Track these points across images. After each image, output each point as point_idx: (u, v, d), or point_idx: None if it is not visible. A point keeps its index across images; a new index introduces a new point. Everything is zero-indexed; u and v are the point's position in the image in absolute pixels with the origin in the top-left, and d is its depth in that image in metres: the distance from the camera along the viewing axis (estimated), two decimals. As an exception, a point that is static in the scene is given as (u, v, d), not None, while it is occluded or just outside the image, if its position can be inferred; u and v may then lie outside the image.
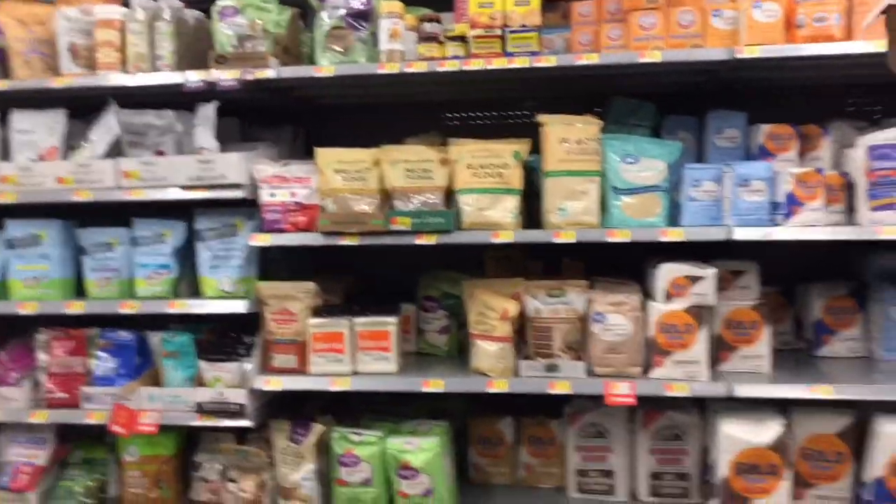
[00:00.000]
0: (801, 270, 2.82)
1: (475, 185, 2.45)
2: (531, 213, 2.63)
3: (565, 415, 2.71)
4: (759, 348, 2.45)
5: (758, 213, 2.34)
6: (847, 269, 2.79)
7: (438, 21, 2.57)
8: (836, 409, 2.41)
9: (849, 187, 2.39)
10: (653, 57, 2.30)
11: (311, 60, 2.66)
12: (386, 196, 2.54)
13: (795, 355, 2.72)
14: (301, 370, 2.57)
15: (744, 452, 2.34)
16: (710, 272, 2.38)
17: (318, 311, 2.59)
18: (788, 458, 2.35)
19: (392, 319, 2.56)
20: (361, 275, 3.09)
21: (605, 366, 2.45)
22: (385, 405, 2.86)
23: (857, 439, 2.41)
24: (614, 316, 2.44)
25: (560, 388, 2.42)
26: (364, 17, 2.52)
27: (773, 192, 2.34)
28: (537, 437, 2.77)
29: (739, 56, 2.26)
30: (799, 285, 2.80)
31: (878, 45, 2.22)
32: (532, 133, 2.51)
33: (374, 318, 2.56)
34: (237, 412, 2.57)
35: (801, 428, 2.42)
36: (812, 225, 2.30)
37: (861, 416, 2.41)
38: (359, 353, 2.55)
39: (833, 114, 2.73)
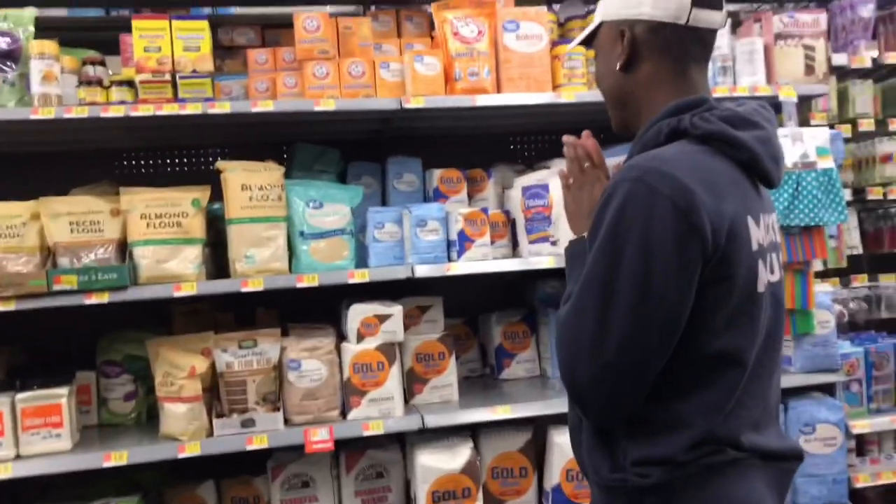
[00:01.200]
0: (482, 301, 3.05)
1: (152, 235, 2.31)
2: (219, 263, 2.55)
3: (269, 469, 2.61)
4: (448, 377, 2.59)
5: (435, 251, 2.49)
6: (520, 297, 3.08)
7: (103, 64, 2.41)
8: (518, 427, 2.62)
9: (512, 224, 2.66)
10: (327, 105, 2.36)
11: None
12: (48, 253, 2.29)
13: (482, 380, 2.93)
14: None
15: (439, 480, 2.44)
16: (396, 309, 2.47)
17: (-32, 390, 2.24)
18: (479, 480, 2.50)
19: (63, 391, 2.29)
20: (29, 344, 2.74)
21: (303, 413, 2.42)
22: (65, 487, 2.54)
23: (538, 453, 2.64)
24: (309, 361, 2.43)
25: (258, 442, 2.33)
26: (11, 56, 2.27)
27: (447, 231, 2.52)
28: (241, 498, 2.64)
29: (407, 106, 2.41)
30: (481, 315, 3.03)
31: (523, 98, 2.51)
32: (216, 180, 2.44)
33: (41, 392, 2.27)
34: None
35: (489, 449, 2.60)
36: (481, 259, 2.51)
37: (539, 431, 2.65)
38: (23, 434, 2.24)
39: (498, 157, 3.03)
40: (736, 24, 2.96)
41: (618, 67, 1.34)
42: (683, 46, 1.30)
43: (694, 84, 1.31)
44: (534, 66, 2.55)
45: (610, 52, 1.36)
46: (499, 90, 2.54)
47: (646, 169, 1.16)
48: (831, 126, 3.02)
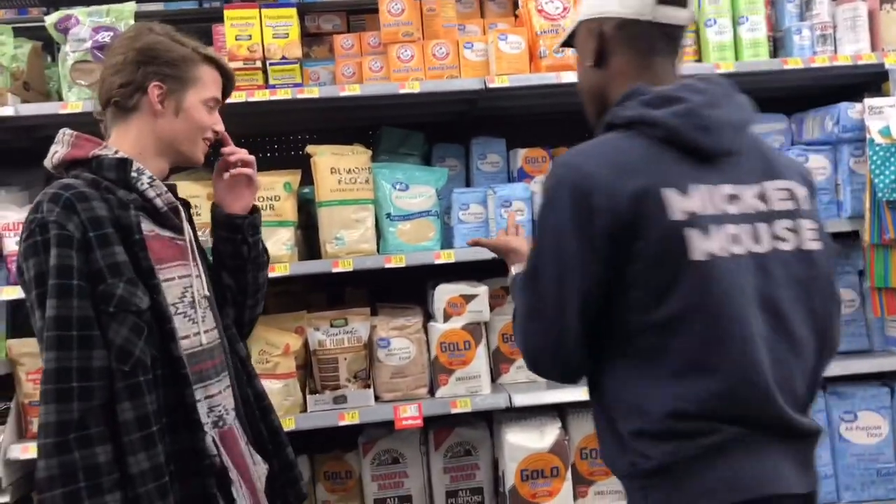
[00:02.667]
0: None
1: (247, 219, 2.39)
2: (311, 245, 2.62)
3: (359, 445, 2.68)
4: (534, 358, 2.58)
5: (521, 231, 2.48)
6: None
7: (198, 54, 2.50)
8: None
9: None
10: (412, 87, 2.39)
11: (60, 97, 2.47)
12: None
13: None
14: (65, 433, 2.34)
15: (527, 459, 2.44)
16: (482, 289, 2.49)
17: (82, 366, 2.38)
18: (567, 460, 2.49)
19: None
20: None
21: (393, 390, 2.47)
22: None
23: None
24: (398, 340, 2.47)
25: (350, 418, 2.40)
26: (113, 49, 2.38)
27: (532, 211, 2.50)
28: (333, 472, 2.72)
29: (491, 85, 2.40)
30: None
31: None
32: (306, 165, 2.51)
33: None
34: (-10, 489, 2.28)
35: (577, 429, 2.58)
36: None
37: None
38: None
39: (583, 136, 2.97)
40: (836, -13, 2.80)
41: (590, 64, 1.45)
42: (648, 41, 1.39)
43: (658, 77, 1.39)
44: (621, 41, 2.49)
45: (584, 49, 1.46)
46: (585, 66, 2.50)
47: (558, 164, 1.36)
48: (942, 94, 2.83)
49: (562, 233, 1.29)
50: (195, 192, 2.34)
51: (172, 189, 1.71)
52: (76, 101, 2.34)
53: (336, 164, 2.44)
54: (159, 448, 1.49)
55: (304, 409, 2.42)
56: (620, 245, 1.27)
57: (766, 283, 1.31)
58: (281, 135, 3.04)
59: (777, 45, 2.68)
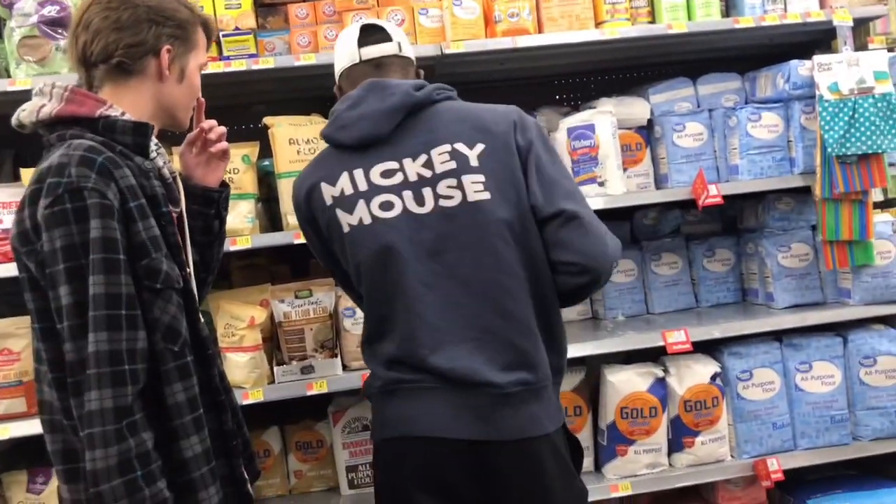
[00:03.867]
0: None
1: (206, 193, 2.37)
2: (272, 217, 2.62)
3: (330, 414, 2.71)
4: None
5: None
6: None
7: (149, 27, 2.46)
8: (571, 368, 2.63)
9: (558, 166, 2.64)
10: (368, 54, 2.37)
11: (8, 74, 2.42)
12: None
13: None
14: (31, 413, 2.32)
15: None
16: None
17: (45, 347, 2.36)
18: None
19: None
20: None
21: (360, 359, 2.48)
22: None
23: (592, 392, 2.67)
24: (363, 309, 2.49)
25: (318, 387, 2.41)
26: (61, 24, 2.33)
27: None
28: (304, 442, 2.75)
29: (447, 51, 2.40)
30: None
31: (565, 37, 2.48)
32: (263, 137, 2.49)
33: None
34: (-44, 473, 2.27)
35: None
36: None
37: (591, 371, 2.67)
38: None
39: (542, 101, 3.00)
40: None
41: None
42: (364, 75, 1.72)
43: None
44: (575, 4, 2.51)
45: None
46: (540, 31, 2.51)
47: None
48: (890, 49, 2.89)
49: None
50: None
51: None
52: (24, 77, 2.29)
53: (294, 135, 2.43)
54: (206, 431, 1.46)
55: (272, 381, 2.43)
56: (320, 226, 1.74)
57: (428, 237, 1.59)
58: (237, 107, 3.01)
59: (728, 5, 2.71)
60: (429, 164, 1.62)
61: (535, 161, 1.61)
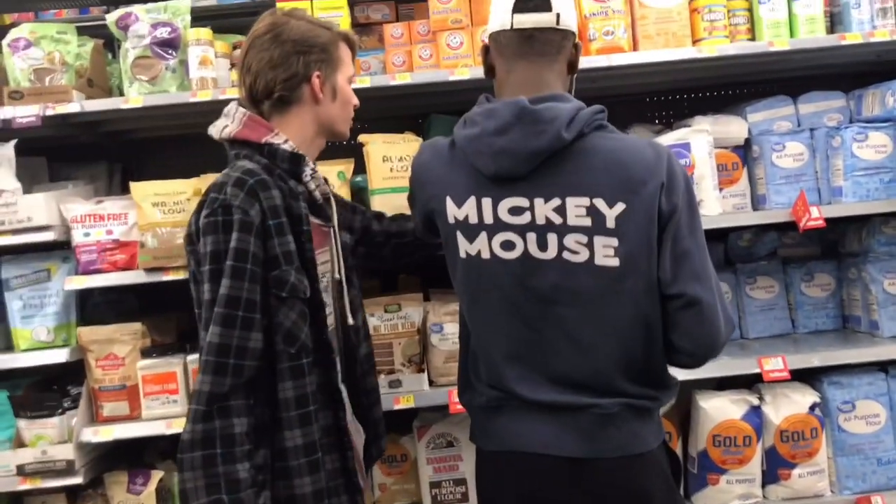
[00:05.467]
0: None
1: (302, 208, 2.44)
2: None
3: (415, 429, 2.72)
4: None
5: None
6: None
7: (252, 47, 2.55)
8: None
9: (651, 185, 2.60)
10: (461, 74, 2.40)
11: (121, 93, 2.55)
12: (211, 226, 2.47)
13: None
14: (133, 416, 2.44)
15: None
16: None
17: (147, 353, 2.47)
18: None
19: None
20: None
21: (447, 375, 2.50)
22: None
23: (682, 418, 2.60)
24: (451, 325, 2.50)
25: (405, 402, 2.43)
26: (171, 45, 2.45)
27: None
28: (390, 455, 2.77)
29: (541, 69, 2.39)
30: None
31: (661, 55, 2.44)
32: (358, 153, 2.54)
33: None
34: (64, 470, 2.38)
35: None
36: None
37: (682, 396, 2.59)
38: (195, 392, 2.46)
39: (635, 118, 2.96)
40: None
41: (485, 74, 1.67)
42: (513, 47, 1.56)
43: (519, 80, 1.56)
44: (672, 21, 2.47)
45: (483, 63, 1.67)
46: (635, 48, 2.48)
47: None
48: None
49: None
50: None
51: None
52: (137, 95, 2.41)
53: (388, 153, 2.47)
54: (314, 427, 1.62)
55: (361, 394, 2.47)
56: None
57: (543, 284, 1.51)
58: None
59: (834, 21, 2.61)
60: (561, 211, 1.49)
61: (673, 230, 1.49)
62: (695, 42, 2.50)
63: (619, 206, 1.47)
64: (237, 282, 1.55)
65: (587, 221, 1.48)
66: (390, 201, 2.46)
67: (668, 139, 2.52)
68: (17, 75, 2.45)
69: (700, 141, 2.49)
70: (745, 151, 2.68)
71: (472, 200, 1.54)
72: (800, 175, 2.60)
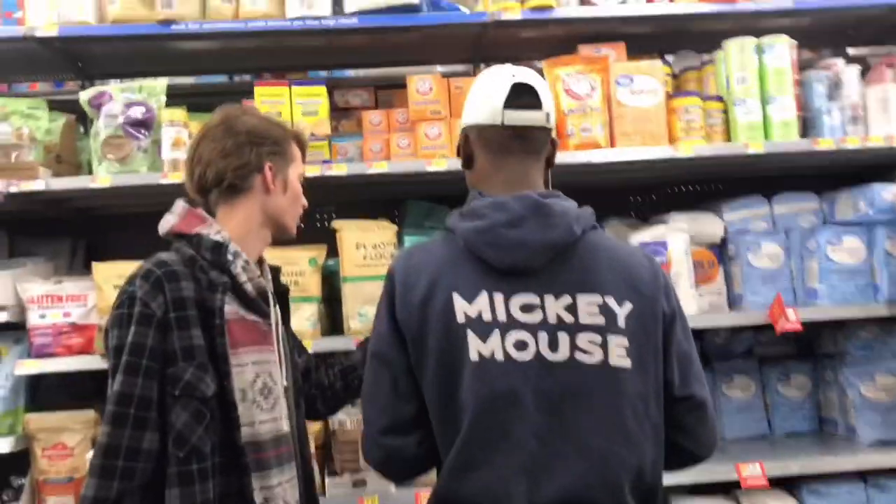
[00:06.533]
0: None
1: (270, 295, 2.37)
2: (333, 317, 2.59)
3: (379, 530, 2.59)
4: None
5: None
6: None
7: (227, 129, 2.52)
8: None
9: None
10: (439, 165, 2.39)
11: (90, 168, 2.49)
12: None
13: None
14: (78, 512, 2.29)
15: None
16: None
17: (99, 443, 2.34)
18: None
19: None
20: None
21: (414, 474, 2.39)
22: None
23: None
24: (420, 421, 2.40)
25: (369, 503, 2.32)
26: (145, 125, 2.41)
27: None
28: (351, 557, 2.63)
29: (519, 163, 2.39)
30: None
31: (638, 153, 2.45)
32: (330, 237, 2.49)
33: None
34: (-2, 571, 2.22)
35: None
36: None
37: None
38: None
39: (610, 211, 2.95)
40: (866, 69, 2.79)
41: (462, 166, 1.60)
42: (502, 143, 1.51)
43: (510, 177, 1.51)
44: (649, 121, 2.49)
45: (461, 153, 1.60)
46: (612, 145, 2.49)
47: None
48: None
49: (377, 313, 1.53)
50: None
51: (276, 272, 1.82)
52: (105, 175, 2.35)
53: (361, 240, 2.42)
54: None
55: (323, 492, 2.35)
56: (408, 330, 1.45)
57: (553, 388, 1.39)
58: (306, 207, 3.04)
59: (807, 125, 2.65)
60: (572, 310, 1.43)
61: (675, 333, 1.48)
62: (671, 141, 2.52)
63: (627, 306, 1.43)
64: (130, 377, 1.48)
65: (600, 320, 1.42)
66: (361, 289, 2.41)
67: (644, 237, 2.51)
68: (-17, 150, 2.38)
69: (677, 239, 2.48)
70: (721, 250, 2.68)
71: (483, 295, 1.43)
72: (776, 276, 2.60)
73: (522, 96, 1.50)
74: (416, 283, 1.46)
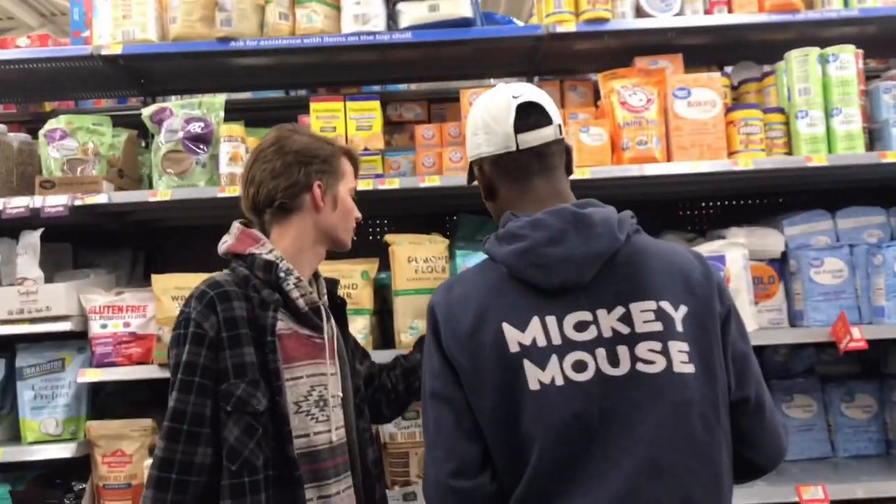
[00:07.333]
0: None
1: (324, 307, 2.39)
2: (384, 328, 2.60)
3: (428, 543, 2.58)
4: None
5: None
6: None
7: (283, 144, 2.56)
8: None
9: (683, 297, 2.52)
10: (492, 178, 2.37)
11: (151, 182, 2.56)
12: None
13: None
14: (136, 518, 2.34)
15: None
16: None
17: (156, 451, 2.39)
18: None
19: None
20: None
21: (465, 489, 2.37)
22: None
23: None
24: (471, 436, 2.39)
25: (419, 516, 2.32)
26: (203, 140, 2.47)
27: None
28: (401, 570, 2.62)
29: (571, 178, 2.36)
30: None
31: (695, 166, 2.40)
32: (383, 250, 2.50)
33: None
34: (60, 574, 2.28)
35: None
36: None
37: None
38: (202, 494, 2.36)
39: (667, 225, 2.90)
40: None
41: (484, 199, 1.58)
42: (522, 167, 1.49)
43: (539, 196, 1.48)
44: (707, 133, 2.44)
45: (480, 186, 1.58)
46: (669, 159, 2.45)
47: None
48: None
49: (427, 352, 1.46)
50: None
51: (333, 284, 1.85)
52: (165, 189, 2.41)
53: (413, 254, 2.43)
54: None
55: (374, 505, 2.35)
56: (457, 365, 1.39)
57: (619, 404, 1.33)
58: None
59: (873, 137, 2.57)
60: (626, 320, 1.36)
61: (731, 332, 1.41)
62: (730, 154, 2.46)
63: (683, 309, 1.37)
64: (184, 395, 1.54)
65: (658, 326, 1.36)
66: (413, 303, 2.41)
67: (702, 250, 2.44)
68: (51, 164, 2.47)
69: (735, 254, 2.42)
70: (781, 265, 2.60)
71: (535, 321, 1.37)
72: (839, 292, 2.51)
73: (531, 115, 1.48)
74: (461, 317, 1.40)
